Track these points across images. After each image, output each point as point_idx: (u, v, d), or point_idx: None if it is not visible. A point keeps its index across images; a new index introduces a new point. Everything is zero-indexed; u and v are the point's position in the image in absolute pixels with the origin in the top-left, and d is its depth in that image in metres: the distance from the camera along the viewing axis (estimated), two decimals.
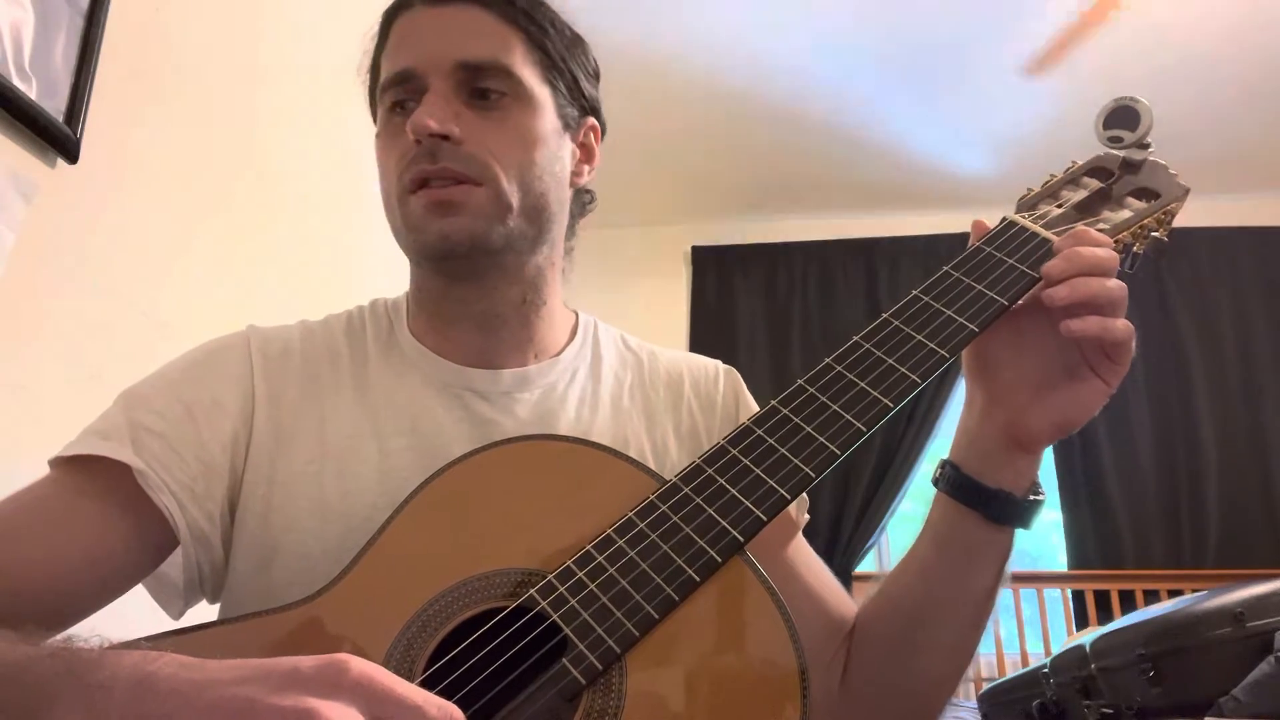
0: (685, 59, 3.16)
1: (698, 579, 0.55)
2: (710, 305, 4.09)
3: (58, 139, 1.27)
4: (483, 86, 0.71)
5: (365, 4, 2.49)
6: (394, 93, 0.72)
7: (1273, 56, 3.10)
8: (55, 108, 1.27)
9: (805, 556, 0.79)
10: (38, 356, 1.26)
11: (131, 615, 0.69)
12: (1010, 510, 0.67)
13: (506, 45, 0.72)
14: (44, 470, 0.68)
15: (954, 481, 0.68)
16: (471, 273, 0.73)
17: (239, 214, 1.76)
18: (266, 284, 1.81)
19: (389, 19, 0.75)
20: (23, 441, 1.18)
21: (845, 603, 0.78)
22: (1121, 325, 0.62)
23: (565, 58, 0.76)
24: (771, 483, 0.58)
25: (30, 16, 1.24)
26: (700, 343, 3.96)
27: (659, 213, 4.04)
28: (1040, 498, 0.68)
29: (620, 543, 0.57)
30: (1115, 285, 0.62)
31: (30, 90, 1.23)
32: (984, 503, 0.67)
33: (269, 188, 1.87)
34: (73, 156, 1.30)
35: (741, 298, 4.06)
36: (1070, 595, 3.48)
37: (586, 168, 0.80)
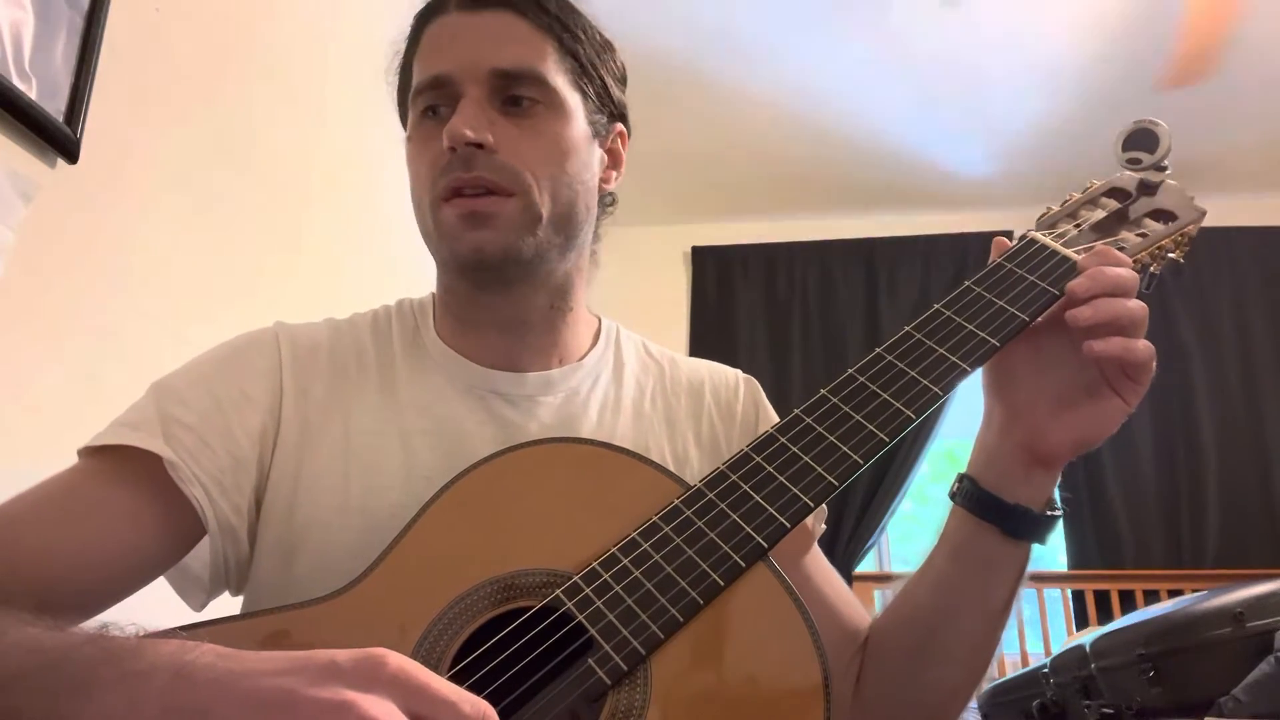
0: (686, 59, 3.16)
1: (721, 583, 0.55)
2: (710, 305, 4.08)
3: (58, 139, 1.27)
4: (516, 94, 0.71)
5: (366, 4, 2.49)
6: (427, 97, 0.72)
7: (1273, 56, 3.10)
8: (55, 108, 1.27)
9: (821, 566, 0.80)
10: (38, 356, 1.26)
11: (145, 608, 0.70)
12: (1028, 525, 0.67)
13: (540, 52, 0.72)
14: (44, 468, 0.67)
15: (972, 496, 0.69)
16: (501, 282, 0.73)
17: (239, 213, 1.76)
18: (268, 283, 1.81)
19: (421, 22, 0.75)
20: (23, 441, 1.18)
21: (859, 612, 0.79)
22: (1143, 346, 0.62)
23: (596, 64, 0.76)
24: (795, 490, 0.59)
25: (30, 17, 1.24)
26: (700, 343, 3.96)
27: (659, 213, 4.04)
28: (1057, 513, 0.69)
29: (645, 546, 0.57)
30: (1137, 306, 0.63)
31: (30, 90, 1.22)
32: (1002, 518, 0.67)
33: (269, 187, 1.87)
34: (73, 156, 1.30)
35: (741, 298, 4.05)
36: (1070, 595, 3.48)
37: (614, 173, 0.81)
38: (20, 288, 1.21)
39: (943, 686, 0.72)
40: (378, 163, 2.24)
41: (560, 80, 0.73)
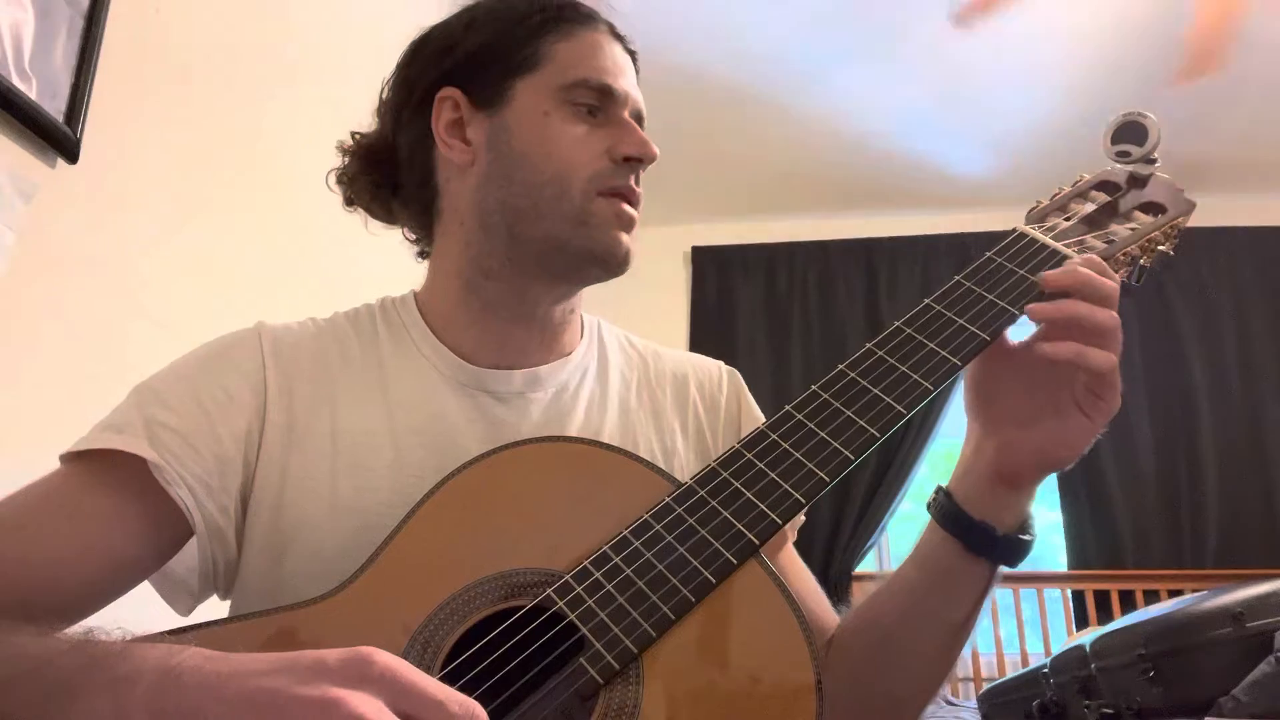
0: (686, 58, 3.16)
1: (713, 580, 0.55)
2: (710, 305, 4.09)
3: (58, 139, 1.27)
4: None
5: (367, 4, 2.48)
6: (593, 97, 0.75)
7: (1273, 55, 3.09)
8: (55, 108, 1.27)
9: (794, 562, 0.80)
10: (38, 356, 1.26)
11: (155, 605, 0.69)
12: (989, 544, 0.66)
13: None
14: (43, 470, 0.67)
15: (942, 508, 0.69)
16: (586, 280, 0.77)
17: (239, 213, 1.76)
18: (267, 283, 1.81)
19: (570, 16, 0.78)
20: (23, 441, 1.18)
21: (828, 610, 0.79)
22: (1098, 355, 0.61)
23: None
24: (786, 486, 0.59)
25: (30, 16, 1.24)
26: (700, 343, 3.95)
27: (659, 213, 4.03)
28: (1027, 538, 0.67)
29: (636, 544, 0.57)
30: (1104, 314, 0.61)
31: (30, 90, 1.22)
32: (964, 532, 0.67)
33: (269, 187, 1.87)
34: (73, 156, 1.30)
35: (741, 298, 4.06)
36: (1070, 595, 3.48)
37: None
38: (20, 288, 1.21)
39: (896, 692, 0.72)
40: None
41: None
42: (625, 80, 0.77)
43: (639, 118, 0.78)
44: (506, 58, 0.76)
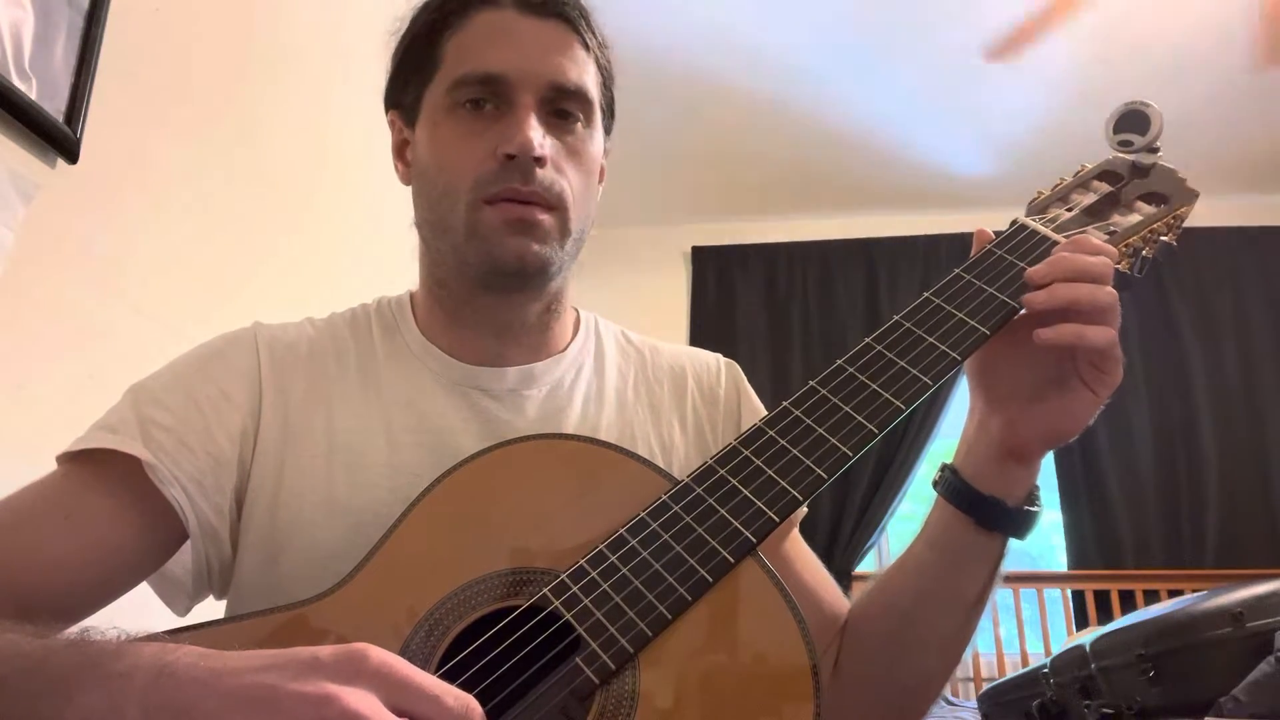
0: (686, 58, 3.16)
1: (710, 579, 0.55)
2: (710, 305, 4.09)
3: (58, 139, 1.27)
4: (565, 109, 0.72)
5: (364, 3, 2.48)
6: (474, 90, 0.70)
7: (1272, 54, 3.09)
8: (55, 108, 1.27)
9: (801, 551, 0.80)
10: (38, 356, 1.26)
11: (156, 605, 0.69)
12: (1000, 517, 0.67)
13: (588, 72, 0.73)
14: (43, 470, 0.67)
15: (950, 485, 0.69)
16: (519, 289, 0.73)
17: (239, 213, 1.76)
18: (267, 283, 1.82)
19: (465, 6, 0.73)
20: (23, 441, 1.18)
21: (838, 597, 0.79)
22: (1098, 332, 0.61)
23: (611, 85, 0.78)
24: (784, 483, 0.58)
25: (30, 16, 1.24)
26: (700, 342, 3.89)
27: (659, 213, 4.04)
28: (1035, 509, 0.68)
29: (633, 543, 0.57)
30: (1102, 292, 0.61)
31: (30, 90, 1.23)
32: (975, 508, 0.67)
33: (268, 187, 1.88)
34: (73, 156, 1.30)
35: (741, 298, 4.06)
36: (1070, 595, 3.48)
37: (600, 187, 0.81)
38: (20, 288, 1.21)
39: (916, 672, 0.73)
40: (380, 164, 2.23)
41: (597, 101, 0.74)
42: (525, 57, 0.70)
43: (561, 92, 0.71)
44: (418, 68, 0.75)
